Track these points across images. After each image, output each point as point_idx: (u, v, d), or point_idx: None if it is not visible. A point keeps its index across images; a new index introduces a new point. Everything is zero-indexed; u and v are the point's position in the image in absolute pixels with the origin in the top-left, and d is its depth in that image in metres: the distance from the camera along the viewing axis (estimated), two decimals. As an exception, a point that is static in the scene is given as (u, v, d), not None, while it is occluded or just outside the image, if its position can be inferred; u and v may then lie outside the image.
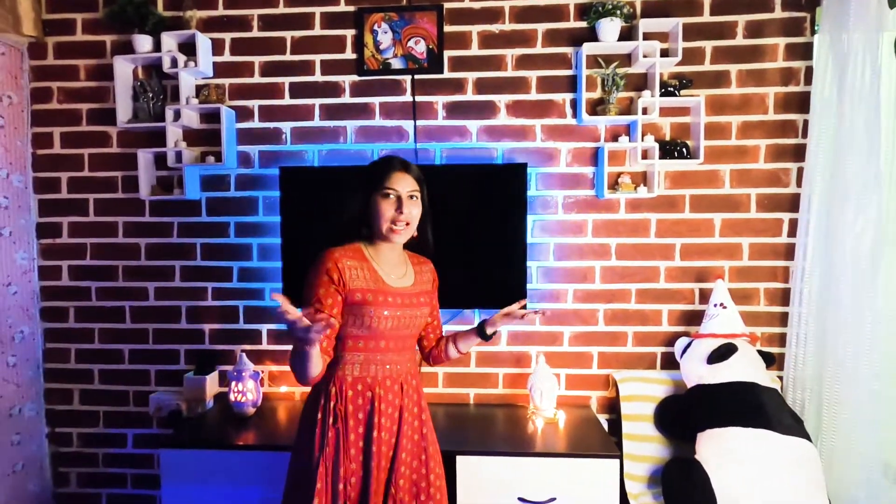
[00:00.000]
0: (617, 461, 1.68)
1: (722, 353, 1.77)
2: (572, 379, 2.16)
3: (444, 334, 1.54)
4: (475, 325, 1.48)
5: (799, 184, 2.05)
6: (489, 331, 1.44)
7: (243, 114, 2.18)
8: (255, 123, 2.18)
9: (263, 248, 2.19)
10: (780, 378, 2.02)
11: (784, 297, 2.08)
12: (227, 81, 2.17)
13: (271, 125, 2.18)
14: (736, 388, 1.72)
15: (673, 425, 1.87)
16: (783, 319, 2.08)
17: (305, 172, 2.10)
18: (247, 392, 1.98)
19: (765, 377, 1.79)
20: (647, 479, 1.90)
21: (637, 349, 2.13)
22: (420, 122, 2.14)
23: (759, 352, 1.88)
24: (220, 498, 1.76)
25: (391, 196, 1.28)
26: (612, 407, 2.11)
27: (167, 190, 2.18)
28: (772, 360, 1.89)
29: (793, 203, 2.05)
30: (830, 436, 1.82)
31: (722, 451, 1.62)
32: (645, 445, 1.94)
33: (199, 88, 2.16)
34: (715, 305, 1.91)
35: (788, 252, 2.07)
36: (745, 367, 1.76)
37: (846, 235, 1.76)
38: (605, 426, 2.10)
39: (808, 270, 1.94)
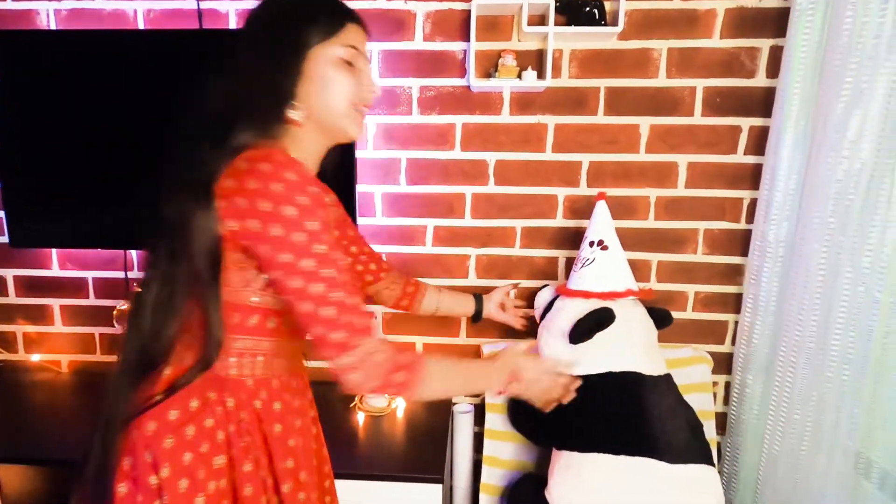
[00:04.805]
0: (439, 487, 1.11)
1: (590, 328, 1.13)
2: (431, 351, 1.57)
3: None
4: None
5: (771, 73, 1.35)
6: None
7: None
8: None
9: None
10: (712, 354, 1.44)
11: (736, 242, 1.44)
12: None
13: (-17, -33, 1.44)
14: (609, 387, 1.08)
15: (531, 427, 1.28)
16: (730, 274, 1.46)
17: (38, 40, 1.40)
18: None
19: (653, 361, 1.15)
20: (508, 493, 1.35)
21: (522, 311, 1.53)
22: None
23: (651, 310, 1.24)
24: None
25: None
26: (483, 389, 1.53)
27: None
28: (667, 321, 1.26)
29: (761, 103, 1.37)
30: (784, 425, 1.26)
31: (579, 488, 1.04)
32: (505, 446, 1.38)
33: None
34: (591, 244, 1.23)
35: (747, 176, 1.41)
36: (626, 347, 1.11)
37: (837, 147, 1.09)
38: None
39: (779, 202, 1.29)
